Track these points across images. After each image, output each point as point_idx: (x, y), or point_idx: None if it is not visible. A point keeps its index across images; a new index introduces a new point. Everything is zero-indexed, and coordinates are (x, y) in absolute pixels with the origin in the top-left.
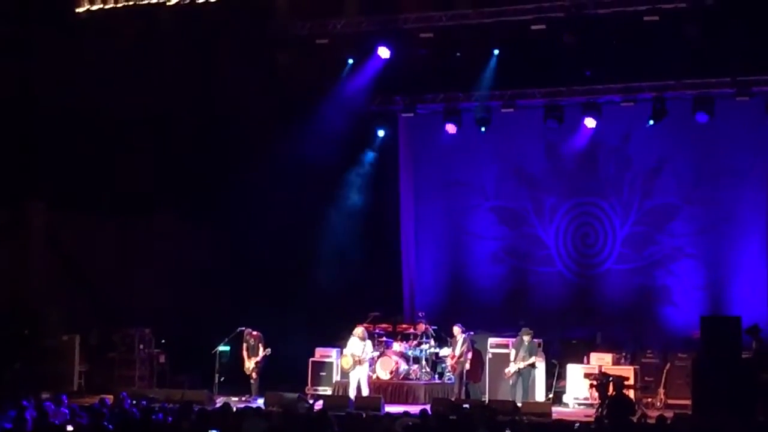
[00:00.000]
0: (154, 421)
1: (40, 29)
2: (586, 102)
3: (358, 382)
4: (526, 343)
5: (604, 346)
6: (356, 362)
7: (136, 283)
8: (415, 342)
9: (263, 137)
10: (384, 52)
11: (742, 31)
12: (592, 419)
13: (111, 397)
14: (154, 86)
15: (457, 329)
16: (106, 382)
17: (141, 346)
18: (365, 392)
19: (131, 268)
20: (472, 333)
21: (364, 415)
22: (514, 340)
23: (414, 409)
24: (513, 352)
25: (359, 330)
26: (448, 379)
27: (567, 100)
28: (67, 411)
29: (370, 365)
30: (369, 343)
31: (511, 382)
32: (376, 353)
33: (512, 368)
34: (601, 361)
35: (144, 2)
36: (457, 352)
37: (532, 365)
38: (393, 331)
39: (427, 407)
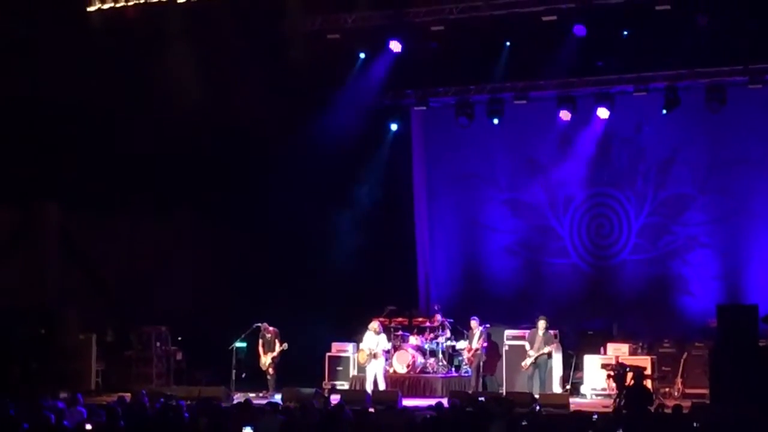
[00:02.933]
0: (172, 419)
1: (51, 28)
2: (599, 92)
3: (375, 376)
4: (541, 333)
5: (621, 337)
6: (371, 356)
7: (152, 281)
8: (431, 335)
9: (278, 134)
10: (395, 46)
11: (753, 19)
12: (610, 410)
13: (129, 395)
14: (166, 84)
15: (474, 322)
16: (124, 381)
17: (158, 344)
18: (382, 386)
19: (147, 267)
20: (488, 325)
21: (380, 410)
22: (530, 332)
23: (431, 403)
24: (528, 344)
25: (374, 324)
26: (465, 372)
27: (579, 90)
28: (84, 410)
29: (386, 359)
30: (383, 336)
31: (528, 374)
32: (390, 346)
33: (528, 360)
34: (617, 351)
35: (155, 0)
36: (474, 345)
37: (549, 355)
38: (409, 325)
39: (444, 400)
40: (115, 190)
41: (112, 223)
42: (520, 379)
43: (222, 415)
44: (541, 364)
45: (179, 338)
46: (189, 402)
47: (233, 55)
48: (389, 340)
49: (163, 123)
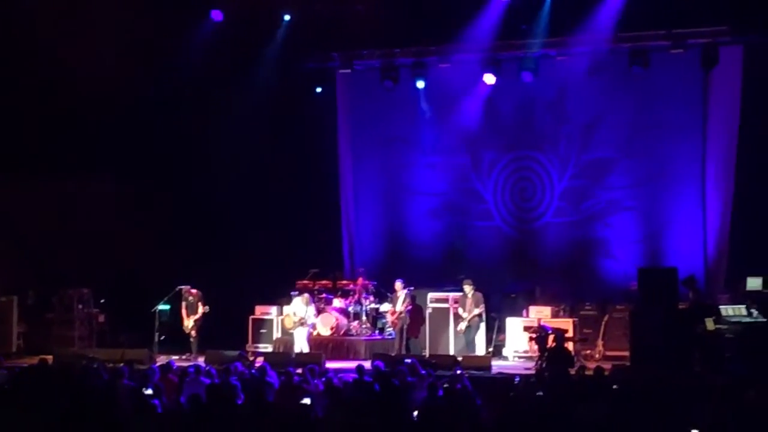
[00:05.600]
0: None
1: None
2: (523, 56)
3: (300, 342)
4: (470, 295)
5: (543, 300)
6: (298, 323)
7: (73, 243)
8: (355, 298)
9: (200, 97)
10: (320, 8)
11: None
12: (532, 372)
13: (50, 357)
14: (90, 46)
15: (398, 285)
16: (45, 343)
17: (80, 306)
18: (306, 350)
19: (69, 229)
20: (412, 288)
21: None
22: (453, 295)
23: (355, 365)
24: (461, 309)
25: (305, 295)
26: (389, 335)
27: (503, 54)
28: (5, 371)
29: (310, 327)
30: (313, 307)
31: (465, 337)
32: (318, 320)
33: (463, 324)
34: (540, 314)
35: None
36: (398, 308)
37: (479, 316)
38: (333, 288)
39: (367, 363)
40: (37, 150)
41: (33, 184)
42: (443, 342)
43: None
44: (474, 326)
45: (102, 301)
46: (111, 364)
47: (155, 16)
48: (312, 302)
49: (87, 84)
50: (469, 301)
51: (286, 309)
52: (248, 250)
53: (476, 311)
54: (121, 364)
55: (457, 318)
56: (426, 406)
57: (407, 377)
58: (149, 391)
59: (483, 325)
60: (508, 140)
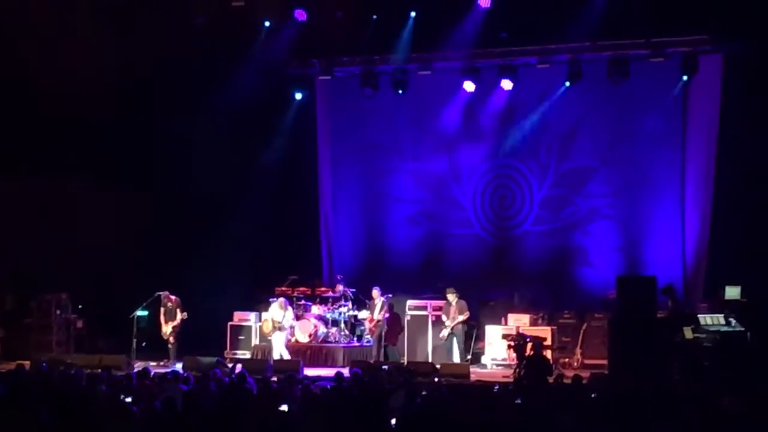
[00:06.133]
0: (72, 387)
1: None
2: (503, 64)
3: (279, 347)
4: (454, 303)
5: (522, 307)
6: (276, 327)
7: (52, 248)
8: (333, 305)
9: (181, 101)
10: (301, 15)
11: None
12: (510, 380)
13: (28, 363)
14: (70, 48)
15: (375, 292)
16: (23, 348)
17: (58, 312)
18: (285, 356)
19: (47, 233)
20: (390, 296)
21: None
22: (432, 302)
23: (333, 372)
24: (444, 316)
25: (281, 300)
26: (367, 342)
27: (483, 62)
28: None
29: (289, 333)
30: (291, 311)
31: (446, 345)
32: (296, 324)
33: (445, 331)
34: (518, 321)
35: None
36: (376, 316)
37: (463, 323)
38: (311, 294)
39: (345, 370)
40: (16, 153)
41: (12, 186)
42: (421, 349)
43: (119, 384)
44: (457, 334)
45: (80, 306)
46: (89, 370)
47: (136, 20)
48: (289, 305)
49: (67, 85)
50: (453, 309)
51: (263, 315)
52: (227, 257)
53: (460, 318)
54: (99, 370)
55: (440, 324)
56: (404, 413)
57: (385, 384)
58: (128, 399)
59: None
60: (487, 148)
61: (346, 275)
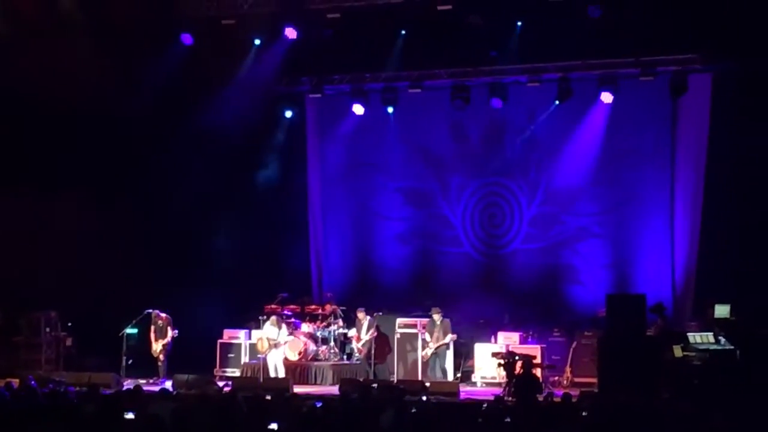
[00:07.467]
0: (61, 405)
1: None
2: (493, 82)
3: (275, 365)
4: (439, 323)
5: (512, 325)
6: (271, 345)
7: (42, 265)
8: (323, 323)
9: (171, 119)
10: (291, 33)
11: (645, 12)
12: (500, 398)
13: (17, 380)
14: (61, 67)
15: (361, 314)
16: (12, 366)
17: (47, 329)
18: (282, 374)
19: (36, 251)
20: (379, 314)
21: (271, 397)
22: (422, 320)
23: (323, 390)
24: (428, 335)
25: (273, 318)
26: (357, 360)
27: (473, 80)
28: None
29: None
30: (285, 327)
31: (430, 364)
32: (291, 338)
33: (429, 351)
34: (508, 340)
35: None
36: (363, 335)
37: (447, 345)
38: (301, 312)
39: (335, 388)
40: (3, 171)
41: (2, 204)
42: (410, 368)
43: (108, 402)
44: (441, 353)
45: (69, 324)
46: (78, 388)
47: (127, 38)
48: (282, 322)
49: (55, 103)
50: (437, 329)
51: (256, 334)
52: (217, 274)
53: (445, 340)
54: (86, 388)
55: (415, 341)
56: (393, 431)
57: (375, 403)
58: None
59: (450, 353)
60: (477, 166)
61: (336, 293)
